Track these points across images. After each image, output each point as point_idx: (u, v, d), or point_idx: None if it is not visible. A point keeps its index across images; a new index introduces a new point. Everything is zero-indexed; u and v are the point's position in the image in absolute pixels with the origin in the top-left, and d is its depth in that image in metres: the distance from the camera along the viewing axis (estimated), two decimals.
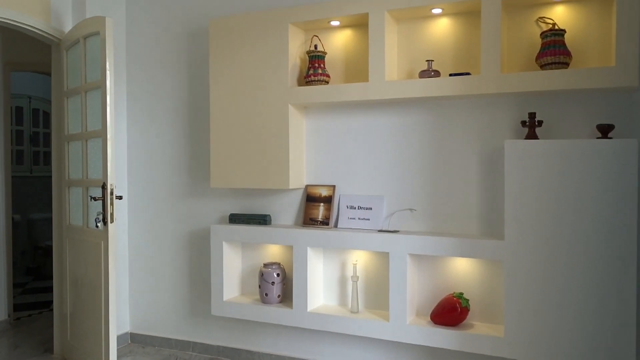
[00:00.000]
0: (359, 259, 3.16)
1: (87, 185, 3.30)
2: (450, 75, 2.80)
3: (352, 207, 3.17)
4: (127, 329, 3.98)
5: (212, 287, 3.39)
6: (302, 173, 3.29)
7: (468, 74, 2.78)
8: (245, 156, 3.25)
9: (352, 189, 3.21)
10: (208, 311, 3.67)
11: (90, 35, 3.21)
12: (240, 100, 3.27)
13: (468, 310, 2.80)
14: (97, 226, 3.11)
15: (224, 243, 3.37)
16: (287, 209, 3.38)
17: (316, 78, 3.13)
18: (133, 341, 3.98)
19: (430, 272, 3.00)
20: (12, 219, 6.55)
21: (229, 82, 3.30)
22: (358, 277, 3.09)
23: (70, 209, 3.55)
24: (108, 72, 3.05)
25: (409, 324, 2.86)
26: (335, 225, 3.22)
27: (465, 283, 2.92)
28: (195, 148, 3.69)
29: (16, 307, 5.06)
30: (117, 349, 3.84)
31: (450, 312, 2.78)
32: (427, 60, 2.91)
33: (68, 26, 3.63)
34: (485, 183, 2.87)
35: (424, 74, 2.90)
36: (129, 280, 3.97)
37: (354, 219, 3.15)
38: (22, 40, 4.57)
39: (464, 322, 2.85)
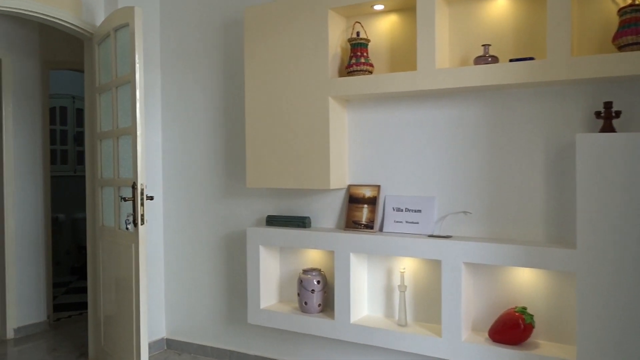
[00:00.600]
0: (407, 267, 2.87)
1: (119, 184, 3.15)
2: (511, 60, 2.47)
3: (398, 210, 2.88)
4: (163, 334, 3.82)
5: (249, 294, 3.18)
6: (344, 172, 3.02)
7: (532, 58, 2.44)
8: (283, 154, 3.02)
9: (399, 190, 2.91)
10: (245, 318, 3.46)
11: (120, 27, 3.05)
12: (277, 94, 3.03)
13: (533, 327, 2.46)
14: (127, 228, 2.95)
15: (260, 247, 3.14)
16: (327, 210, 3.13)
17: (359, 68, 2.86)
18: (169, 347, 3.82)
19: (488, 283, 2.67)
20: (57, 218, 6.60)
21: (264, 75, 3.07)
22: (406, 287, 2.80)
23: (103, 209, 3.42)
24: (137, 65, 2.87)
25: (464, 341, 2.55)
26: (380, 229, 2.94)
27: (528, 296, 2.58)
28: (231, 145, 3.49)
29: (58, 307, 5.02)
30: (152, 356, 3.69)
31: (512, 328, 2.46)
32: (483, 45, 2.59)
33: (100, 19, 3.49)
34: (553, 183, 2.53)
35: (480, 60, 2.57)
36: (165, 284, 3.81)
37: (401, 222, 2.86)
38: (60, 39, 4.50)
39: (528, 340, 2.51)
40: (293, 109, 2.98)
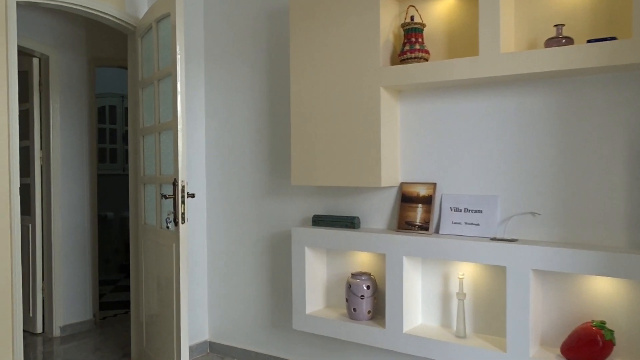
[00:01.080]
0: (467, 273, 2.61)
1: (160, 182, 3.03)
2: (589, 41, 2.18)
3: (457, 210, 2.63)
4: (205, 337, 3.70)
5: (294, 297, 3.00)
6: (396, 168, 2.80)
7: (613, 38, 2.14)
8: (330, 149, 2.82)
9: (457, 188, 2.66)
10: (290, 323, 3.28)
11: (162, 18, 2.93)
12: (325, 85, 2.84)
13: (613, 344, 2.16)
14: (167, 227, 2.82)
15: (306, 248, 2.96)
16: (378, 210, 2.91)
17: (413, 55, 2.63)
18: (212, 350, 3.69)
19: (559, 293, 2.39)
20: (105, 216, 6.64)
21: (311, 66, 2.89)
22: (465, 295, 2.55)
23: (146, 207, 3.32)
24: (178, 56, 2.74)
25: (533, 357, 2.27)
26: (437, 231, 2.69)
27: (607, 310, 2.28)
28: (276, 141, 3.32)
29: (105, 306, 5.01)
30: (195, 359, 3.57)
31: (588, 345, 2.16)
32: (555, 25, 2.30)
33: (143, 12, 3.40)
34: (637, 180, 2.22)
35: (553, 42, 2.29)
36: (208, 285, 3.69)
37: (459, 223, 2.61)
38: (105, 35, 4.47)
39: (607, 359, 2.21)
40: (342, 101, 2.78)
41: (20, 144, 4.30)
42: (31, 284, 4.18)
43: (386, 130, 2.70)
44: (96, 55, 4.44)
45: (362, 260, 2.96)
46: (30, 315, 4.21)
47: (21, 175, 4.35)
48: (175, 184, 2.77)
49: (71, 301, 4.25)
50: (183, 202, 2.77)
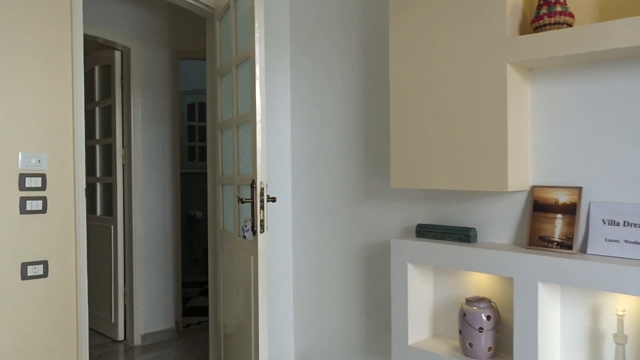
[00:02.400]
0: (628, 308, 1.95)
1: (238, 183, 2.64)
2: None
3: (613, 223, 1.98)
4: (291, 357, 3.27)
5: (393, 323, 2.48)
6: (526, 168, 2.19)
7: None
8: (440, 144, 2.27)
9: (613, 194, 2.01)
10: (388, 352, 2.77)
11: None
12: (432, 66, 2.29)
13: None
14: (244, 236, 2.42)
15: (409, 265, 2.42)
16: (501, 220, 2.31)
17: (552, 20, 2.01)
18: None
19: None
20: (194, 216, 6.49)
21: (414, 45, 2.35)
22: (626, 337, 1.90)
23: (224, 211, 2.95)
24: (257, 35, 2.32)
25: None
26: (583, 250, 2.06)
27: None
28: (372, 136, 2.81)
29: (189, 311, 4.77)
30: None
31: None
32: None
33: None
34: None
35: None
36: (294, 301, 3.26)
37: (616, 241, 1.96)
38: (188, 26, 4.19)
39: None
40: (454, 84, 2.22)
41: (102, 141, 4.13)
42: (113, 289, 3.99)
43: (514, 119, 2.10)
44: (179, 47, 4.18)
45: (480, 282, 2.38)
46: (112, 321, 4.02)
47: (104, 174, 4.19)
48: (253, 185, 2.35)
49: (153, 308, 4.02)
50: (262, 208, 2.35)
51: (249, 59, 2.41)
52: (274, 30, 3.13)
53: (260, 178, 2.34)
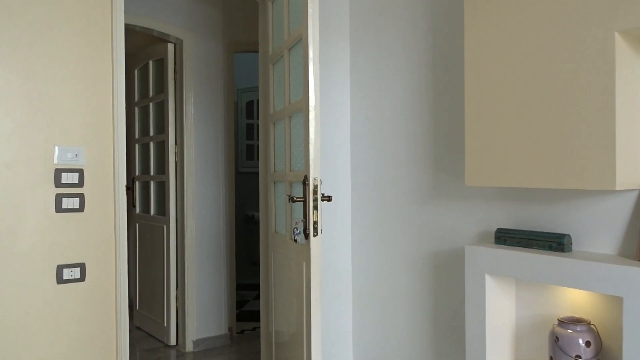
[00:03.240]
0: None
1: (290, 179, 2.37)
2: None
3: None
4: None
5: (468, 343, 2.12)
6: (637, 162, 1.78)
7: None
8: (526, 135, 1.90)
9: None
10: None
11: None
12: (516, 40, 1.92)
13: None
14: (295, 239, 2.14)
15: (487, 276, 2.06)
16: (602, 225, 1.90)
17: None
18: None
19: None
20: (252, 216, 6.31)
21: (496, 13, 1.99)
22: None
23: (276, 211, 2.69)
24: (310, 11, 2.03)
25: None
26: None
27: None
28: (443, 126, 2.46)
29: (244, 316, 4.57)
30: None
31: None
32: None
33: None
34: None
35: None
36: (353, 312, 2.95)
37: None
38: (243, 17, 3.98)
39: None
40: (545, 61, 1.84)
41: (156, 138, 3.99)
42: (165, 292, 3.84)
43: (623, 102, 1.71)
44: (233, 40, 3.97)
45: (574, 300, 1.98)
46: (164, 325, 3.87)
47: (157, 173, 4.05)
48: (305, 182, 2.07)
49: (205, 312, 3.83)
50: (316, 207, 2.06)
51: (302, 40, 2.14)
52: (332, 11, 2.85)
53: (313, 174, 2.06)
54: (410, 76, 2.59)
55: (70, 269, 2.14)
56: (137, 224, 4.26)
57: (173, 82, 3.78)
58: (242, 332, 4.19)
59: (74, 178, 2.15)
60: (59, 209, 2.11)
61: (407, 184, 2.62)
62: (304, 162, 2.11)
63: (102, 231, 2.23)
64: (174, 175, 3.81)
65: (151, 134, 4.08)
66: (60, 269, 2.11)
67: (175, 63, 3.78)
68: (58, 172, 2.11)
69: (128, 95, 4.89)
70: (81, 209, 2.17)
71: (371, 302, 2.83)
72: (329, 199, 2.13)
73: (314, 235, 2.05)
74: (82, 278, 2.17)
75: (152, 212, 4.08)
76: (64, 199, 2.12)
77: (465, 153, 2.10)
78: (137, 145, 4.27)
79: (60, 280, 2.12)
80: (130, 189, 4.90)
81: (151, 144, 4.07)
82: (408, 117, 2.61)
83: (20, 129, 2.05)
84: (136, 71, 4.24)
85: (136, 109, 4.26)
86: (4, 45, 2.02)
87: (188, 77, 3.73)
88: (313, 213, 2.05)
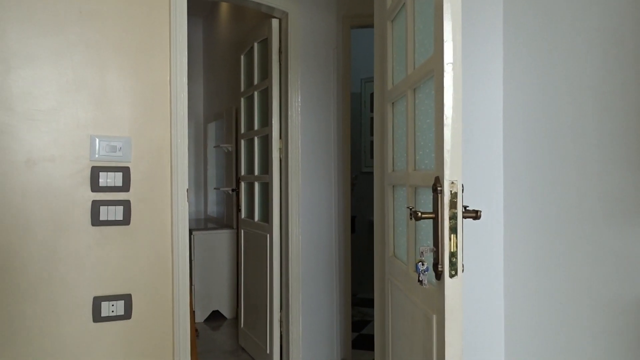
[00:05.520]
0: None
1: (414, 183, 1.60)
2: None
3: None
4: None
5: None
6: None
7: None
8: None
9: None
10: None
11: None
12: None
13: None
14: (420, 280, 1.36)
15: None
16: None
17: None
18: None
19: None
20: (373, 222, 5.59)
21: None
22: None
23: (395, 226, 1.93)
24: None
25: None
26: None
27: None
28: None
29: (363, 341, 3.84)
30: None
31: None
32: None
33: None
34: None
35: None
36: None
37: None
38: None
39: None
40: None
41: (261, 132, 3.44)
42: (268, 313, 3.26)
43: None
44: (350, 12, 3.28)
45: None
46: (267, 352, 3.29)
47: (261, 172, 3.49)
48: (437, 188, 1.29)
49: (313, 339, 3.19)
50: (454, 230, 1.27)
51: None
52: None
53: (449, 175, 1.27)
54: (595, 32, 1.67)
55: (111, 303, 1.58)
56: (242, 231, 3.75)
57: (278, 64, 3.18)
58: None
59: (116, 179, 1.59)
60: (95, 221, 1.57)
61: (595, 194, 1.71)
62: (436, 155, 1.33)
63: (155, 251, 1.65)
64: (278, 175, 3.21)
65: (255, 127, 3.54)
66: (97, 302, 1.57)
67: (280, 42, 3.19)
68: (95, 171, 1.56)
69: (235, 84, 4.43)
70: (126, 221, 1.60)
71: None
72: (475, 215, 1.33)
73: (451, 276, 1.26)
74: (127, 315, 1.61)
75: (256, 217, 3.54)
76: (102, 208, 1.57)
77: None
78: (242, 141, 3.76)
79: (97, 317, 1.57)
80: (235, 190, 4.44)
81: (255, 139, 3.53)
82: (593, 93, 1.69)
83: (53, 113, 1.53)
84: (242, 57, 3.73)
85: (242, 99, 3.75)
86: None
87: (294, 58, 3.11)
88: (451, 238, 1.27)
